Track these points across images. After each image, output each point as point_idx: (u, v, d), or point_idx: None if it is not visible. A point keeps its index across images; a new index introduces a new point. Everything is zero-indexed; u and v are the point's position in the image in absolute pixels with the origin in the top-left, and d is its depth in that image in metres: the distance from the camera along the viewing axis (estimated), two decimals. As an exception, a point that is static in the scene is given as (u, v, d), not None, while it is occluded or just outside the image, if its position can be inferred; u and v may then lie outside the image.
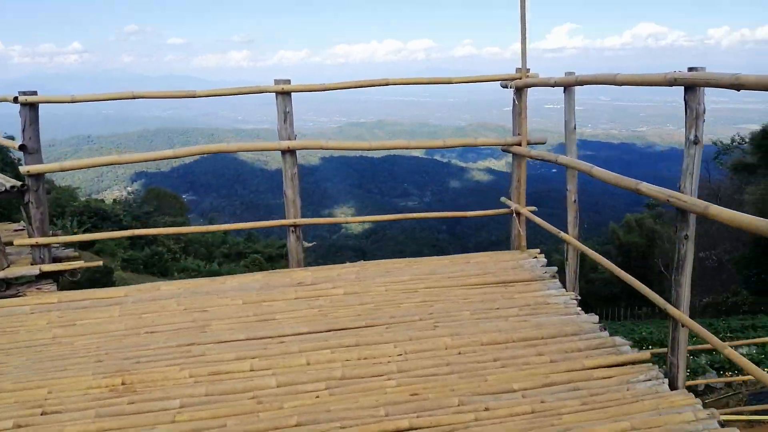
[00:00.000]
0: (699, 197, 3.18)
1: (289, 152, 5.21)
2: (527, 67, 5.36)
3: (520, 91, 5.44)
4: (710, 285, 30.76)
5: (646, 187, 3.50)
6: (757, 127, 32.41)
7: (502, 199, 5.82)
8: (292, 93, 5.15)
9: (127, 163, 4.92)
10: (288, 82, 5.15)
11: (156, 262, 29.13)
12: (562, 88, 4.72)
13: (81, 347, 4.16)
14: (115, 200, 48.16)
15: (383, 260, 5.61)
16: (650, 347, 15.83)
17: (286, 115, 5.14)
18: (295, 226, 5.30)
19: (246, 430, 3.11)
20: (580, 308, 4.49)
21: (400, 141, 5.61)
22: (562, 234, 4.88)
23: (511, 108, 5.53)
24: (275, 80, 5.14)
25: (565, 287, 4.88)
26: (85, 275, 25.41)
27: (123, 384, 3.62)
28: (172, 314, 4.62)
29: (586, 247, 4.67)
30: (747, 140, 34.57)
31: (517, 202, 5.59)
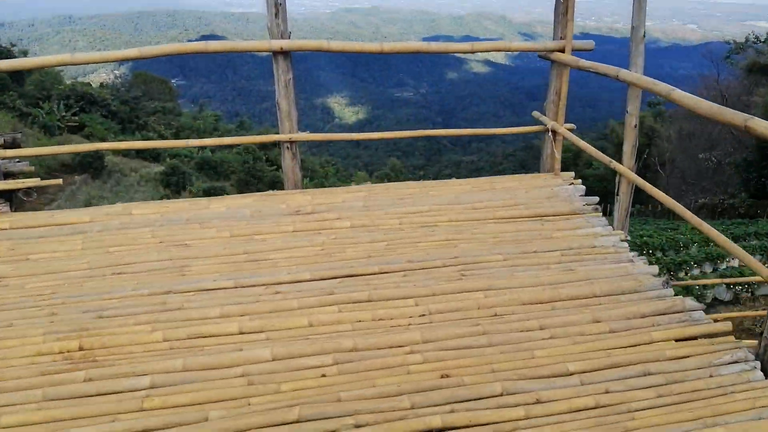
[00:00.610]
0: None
1: (282, 54, 4.22)
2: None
3: None
4: (707, 186, 30.38)
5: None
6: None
7: (535, 113, 4.95)
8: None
9: (81, 63, 3.95)
10: None
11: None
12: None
13: (33, 292, 3.41)
14: (102, 84, 46.37)
15: (394, 183, 4.80)
16: (652, 252, 15.44)
17: (278, 8, 4.10)
18: (291, 142, 4.43)
19: (232, 427, 2.43)
20: (633, 253, 3.75)
21: (420, 43, 4.51)
22: (615, 164, 4.07)
23: (554, 5, 4.54)
24: None
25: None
26: (77, 159, 24.40)
27: (80, 349, 2.90)
28: (145, 249, 3.84)
29: (644, 180, 3.87)
30: (763, 39, 33.07)
31: (554, 119, 4.72)
